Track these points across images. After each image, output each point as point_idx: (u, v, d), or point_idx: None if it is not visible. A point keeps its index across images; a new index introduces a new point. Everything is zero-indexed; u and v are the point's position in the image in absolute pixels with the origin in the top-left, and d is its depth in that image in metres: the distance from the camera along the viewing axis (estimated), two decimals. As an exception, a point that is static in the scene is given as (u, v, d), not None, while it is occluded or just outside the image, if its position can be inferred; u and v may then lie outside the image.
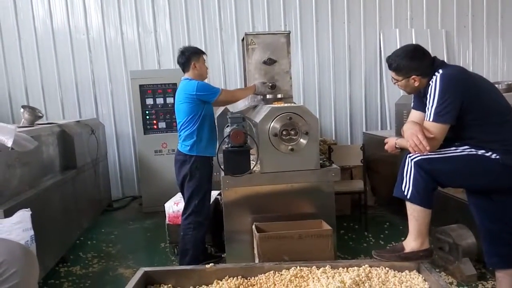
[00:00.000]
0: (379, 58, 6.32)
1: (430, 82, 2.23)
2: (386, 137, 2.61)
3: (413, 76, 2.29)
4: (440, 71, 2.21)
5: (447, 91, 2.15)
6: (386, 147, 2.57)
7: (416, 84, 2.31)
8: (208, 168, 3.30)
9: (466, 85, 2.19)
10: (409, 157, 2.26)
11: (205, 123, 3.26)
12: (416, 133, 2.13)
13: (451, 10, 6.48)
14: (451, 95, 2.14)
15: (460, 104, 2.15)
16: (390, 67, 2.37)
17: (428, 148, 2.11)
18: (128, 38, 6.02)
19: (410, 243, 2.32)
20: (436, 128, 2.17)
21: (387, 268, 2.31)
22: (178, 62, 3.36)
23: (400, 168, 2.33)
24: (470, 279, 3.01)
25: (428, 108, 2.21)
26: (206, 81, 3.40)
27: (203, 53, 3.39)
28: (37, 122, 4.15)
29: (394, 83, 2.42)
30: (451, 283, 3.01)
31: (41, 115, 4.19)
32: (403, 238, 2.45)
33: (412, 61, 2.29)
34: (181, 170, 3.30)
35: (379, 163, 4.87)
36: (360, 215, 4.54)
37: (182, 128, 3.29)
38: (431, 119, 2.18)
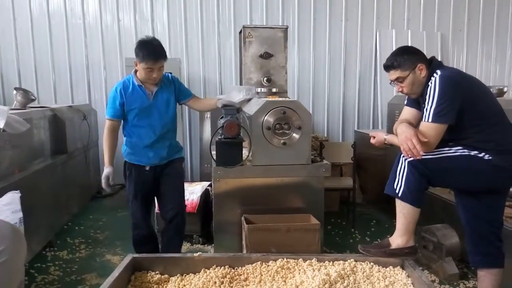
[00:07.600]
0: (374, 57, 6.34)
1: (429, 83, 2.24)
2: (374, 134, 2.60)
3: (419, 64, 2.30)
4: (439, 72, 2.23)
5: (447, 92, 2.16)
6: (373, 141, 2.56)
7: (423, 73, 2.30)
8: (133, 175, 3.03)
9: (464, 87, 2.22)
10: (403, 156, 2.28)
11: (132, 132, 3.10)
12: (411, 137, 2.13)
13: (448, 13, 6.51)
14: (450, 96, 2.16)
15: (459, 105, 2.16)
16: (392, 67, 2.34)
17: (421, 153, 2.12)
18: (124, 25, 5.96)
19: (396, 239, 2.36)
20: (434, 129, 2.18)
21: (372, 263, 2.35)
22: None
23: (393, 166, 2.35)
24: (452, 278, 3.07)
25: (426, 110, 2.21)
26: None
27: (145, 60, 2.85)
28: (29, 105, 4.12)
29: (399, 90, 2.39)
30: (433, 281, 3.06)
31: (33, 98, 4.16)
32: (389, 236, 2.48)
33: (412, 54, 2.34)
34: None
35: (369, 162, 4.92)
36: (348, 211, 4.59)
37: None
38: (430, 120, 2.18)
